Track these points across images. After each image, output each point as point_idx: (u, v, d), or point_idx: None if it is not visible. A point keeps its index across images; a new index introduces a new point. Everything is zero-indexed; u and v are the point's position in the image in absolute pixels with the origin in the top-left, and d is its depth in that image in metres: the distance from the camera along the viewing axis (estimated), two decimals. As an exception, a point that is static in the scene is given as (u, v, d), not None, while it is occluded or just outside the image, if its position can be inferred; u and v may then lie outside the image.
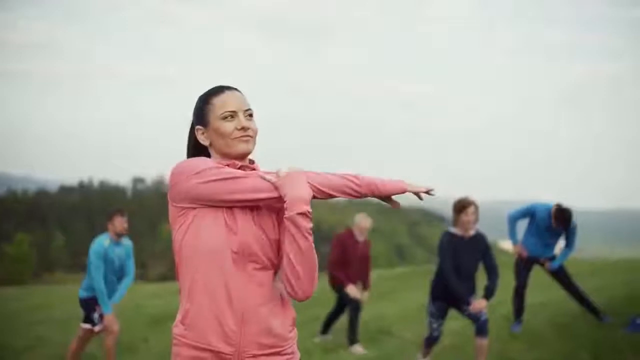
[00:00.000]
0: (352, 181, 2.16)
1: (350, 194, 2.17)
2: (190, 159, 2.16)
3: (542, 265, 7.11)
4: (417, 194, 2.22)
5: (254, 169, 2.20)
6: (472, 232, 5.52)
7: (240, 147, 2.16)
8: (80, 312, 6.38)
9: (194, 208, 2.09)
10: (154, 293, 15.62)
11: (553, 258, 7.06)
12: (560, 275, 7.09)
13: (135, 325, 9.82)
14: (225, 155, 2.18)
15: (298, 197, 2.04)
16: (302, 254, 2.05)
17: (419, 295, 11.72)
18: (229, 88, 2.22)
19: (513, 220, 7.15)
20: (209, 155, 2.23)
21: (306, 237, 2.04)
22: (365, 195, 2.19)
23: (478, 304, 5.37)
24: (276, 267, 2.16)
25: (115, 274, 6.32)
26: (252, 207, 2.13)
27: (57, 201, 70.78)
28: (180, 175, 2.09)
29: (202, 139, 2.21)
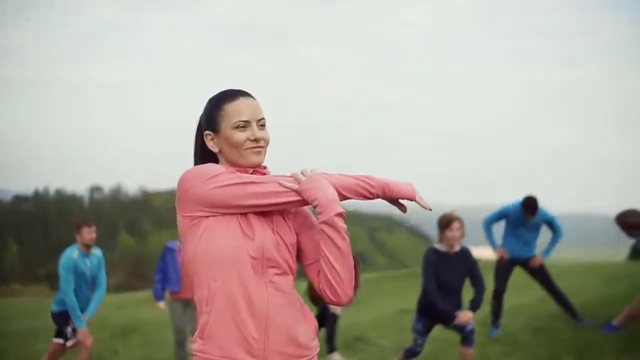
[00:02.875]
0: (365, 182, 2.08)
1: (363, 195, 2.09)
2: (202, 165, 2.06)
3: (525, 265, 7.13)
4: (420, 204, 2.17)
5: (264, 174, 2.11)
6: (457, 248, 5.46)
7: (252, 159, 2.07)
8: (53, 327, 6.20)
9: (207, 216, 1.99)
10: (117, 304, 15.30)
11: (531, 259, 7.09)
12: (541, 275, 7.13)
13: (103, 338, 9.55)
14: (234, 165, 2.09)
15: (331, 199, 1.97)
16: (342, 256, 1.98)
17: (391, 301, 11.75)
18: (242, 94, 2.12)
19: (488, 225, 7.17)
20: (217, 162, 2.13)
21: (345, 238, 1.98)
22: (377, 197, 2.12)
23: (464, 316, 5.32)
24: (294, 273, 2.08)
25: (87, 286, 6.14)
26: (267, 212, 2.04)
27: (11, 211, 69.00)
28: (193, 180, 1.99)
29: (212, 145, 2.12)
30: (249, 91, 2.14)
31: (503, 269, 7.14)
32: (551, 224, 7.05)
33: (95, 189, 76.34)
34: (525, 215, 6.90)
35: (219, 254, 1.97)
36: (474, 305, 5.42)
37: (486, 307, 7.17)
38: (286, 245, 2.05)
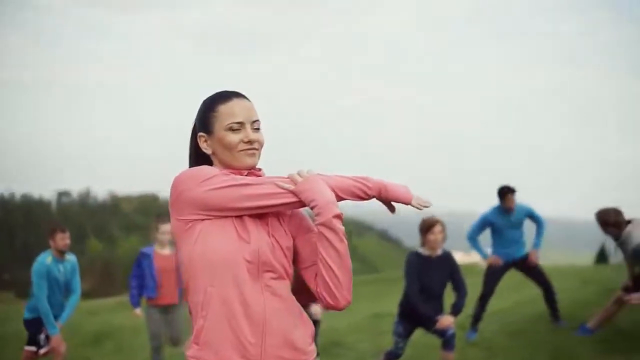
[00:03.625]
0: (362, 183, 2.07)
1: (359, 196, 2.08)
2: (196, 167, 2.02)
3: (519, 265, 7.14)
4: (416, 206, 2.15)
5: (259, 176, 2.08)
6: (439, 252, 5.46)
7: (246, 161, 2.04)
8: (25, 334, 6.05)
9: (202, 219, 1.94)
10: (88, 310, 15.07)
11: (527, 256, 7.11)
12: (537, 272, 7.14)
13: (76, 345, 9.37)
14: (228, 167, 2.06)
15: (328, 201, 1.94)
16: (340, 259, 1.96)
17: (365, 305, 11.73)
18: (237, 95, 2.09)
19: (473, 238, 7.20)
20: (211, 164, 2.10)
21: (343, 240, 1.95)
22: (372, 198, 2.11)
23: (445, 320, 5.32)
24: (290, 277, 2.05)
25: (61, 293, 6.03)
26: (262, 214, 2.01)
27: (-25, 216, 67.70)
28: (186, 182, 1.95)
29: (205, 147, 2.09)
30: (244, 93, 2.11)
31: (495, 273, 7.16)
32: (531, 216, 7.10)
33: (63, 194, 75.30)
34: (505, 207, 6.93)
35: (215, 258, 1.93)
36: (456, 310, 5.42)
37: (465, 310, 7.21)
38: (282, 249, 2.02)
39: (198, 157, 2.12)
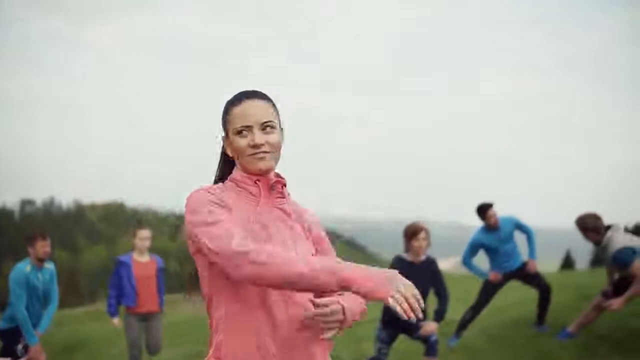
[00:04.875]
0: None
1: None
2: (193, 194, 1.94)
3: (517, 275, 7.16)
4: None
5: (282, 183, 2.03)
6: (422, 257, 5.49)
7: (257, 165, 1.96)
8: None
9: None
10: (56, 321, 14.75)
11: (524, 265, 7.16)
12: (536, 279, 7.13)
13: (48, 355, 9.19)
14: (247, 172, 2.01)
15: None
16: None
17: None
18: (249, 96, 2.00)
19: (468, 263, 7.22)
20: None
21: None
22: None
23: (428, 326, 5.34)
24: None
25: (39, 302, 5.89)
26: (286, 225, 1.98)
27: None
28: (186, 208, 1.92)
29: (229, 151, 2.04)
30: (264, 93, 2.04)
31: (493, 285, 7.18)
32: (519, 227, 7.15)
33: (26, 202, 73.94)
34: (490, 225, 6.98)
35: None
36: (439, 316, 5.44)
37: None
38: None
39: (226, 162, 2.08)
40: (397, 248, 5.49)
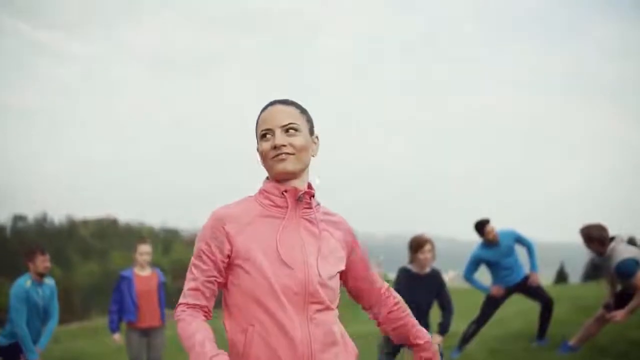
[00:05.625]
0: None
1: None
2: (212, 215, 1.96)
3: (520, 288, 7.15)
4: None
5: (310, 204, 2.00)
6: (427, 270, 5.49)
7: (276, 168, 1.94)
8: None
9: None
10: (52, 337, 14.62)
11: (526, 278, 7.14)
12: (539, 292, 7.15)
13: (45, 372, 9.11)
14: (271, 178, 2.00)
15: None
16: None
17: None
18: (277, 101, 2.01)
19: (469, 278, 7.22)
20: None
21: None
22: None
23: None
24: (336, 307, 1.99)
25: (39, 317, 5.87)
26: (312, 236, 1.96)
27: None
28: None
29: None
30: (287, 100, 2.03)
31: (496, 299, 7.17)
32: (520, 240, 7.15)
33: (18, 218, 73.47)
34: (489, 240, 6.98)
35: (258, 291, 1.87)
36: (444, 329, 5.43)
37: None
38: (329, 279, 1.94)
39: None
40: (391, 261, 5.48)
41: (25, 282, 5.74)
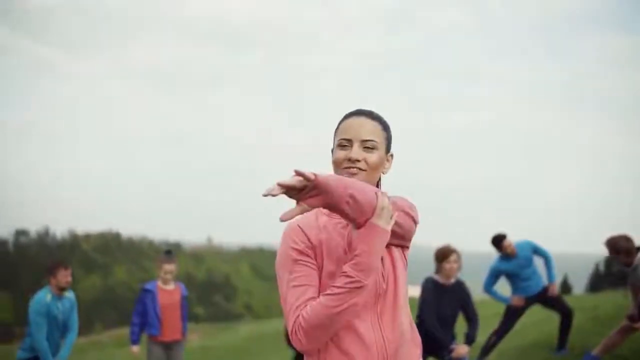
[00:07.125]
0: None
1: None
2: (285, 233, 1.94)
3: (539, 299, 7.14)
4: None
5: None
6: (452, 280, 5.47)
7: None
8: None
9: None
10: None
11: (545, 289, 7.12)
12: (558, 302, 7.15)
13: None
14: None
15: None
16: None
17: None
18: (360, 113, 2.00)
19: (489, 290, 7.22)
20: None
21: None
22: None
23: (461, 349, 5.30)
24: (407, 298, 1.99)
25: (58, 331, 5.85)
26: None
27: None
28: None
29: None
30: (367, 112, 2.01)
31: (516, 310, 7.17)
32: (537, 251, 7.14)
33: (20, 233, 73.36)
34: (505, 254, 6.97)
35: None
36: (470, 339, 5.41)
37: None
38: (395, 276, 1.95)
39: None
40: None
41: (45, 296, 5.73)
